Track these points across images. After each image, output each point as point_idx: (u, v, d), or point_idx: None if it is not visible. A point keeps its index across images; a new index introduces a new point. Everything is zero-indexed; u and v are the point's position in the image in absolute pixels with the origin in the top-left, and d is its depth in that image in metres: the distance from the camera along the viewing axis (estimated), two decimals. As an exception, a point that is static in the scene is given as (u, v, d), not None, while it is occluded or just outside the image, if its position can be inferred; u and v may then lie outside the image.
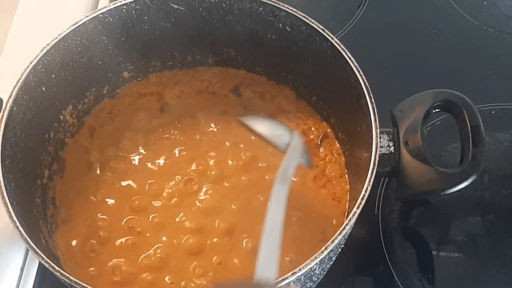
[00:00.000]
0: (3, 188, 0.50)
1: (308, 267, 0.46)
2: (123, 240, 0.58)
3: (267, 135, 0.52)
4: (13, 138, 0.54)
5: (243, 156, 0.62)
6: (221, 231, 0.58)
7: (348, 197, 0.60)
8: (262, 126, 0.53)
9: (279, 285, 0.44)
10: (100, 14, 0.59)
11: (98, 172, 0.62)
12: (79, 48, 0.60)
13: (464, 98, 0.55)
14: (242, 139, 0.63)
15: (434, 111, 0.56)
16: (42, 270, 0.60)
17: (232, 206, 0.59)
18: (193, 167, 0.62)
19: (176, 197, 0.60)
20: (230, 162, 0.62)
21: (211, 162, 0.62)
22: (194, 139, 0.64)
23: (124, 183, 0.61)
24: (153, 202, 0.60)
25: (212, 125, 0.65)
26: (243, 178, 0.61)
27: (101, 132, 0.65)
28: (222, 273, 0.56)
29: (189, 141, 0.64)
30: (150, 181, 0.61)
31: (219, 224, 0.58)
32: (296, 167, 0.49)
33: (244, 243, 0.57)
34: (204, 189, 0.60)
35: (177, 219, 0.59)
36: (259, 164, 0.62)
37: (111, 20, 0.60)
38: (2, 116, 0.53)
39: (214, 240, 0.57)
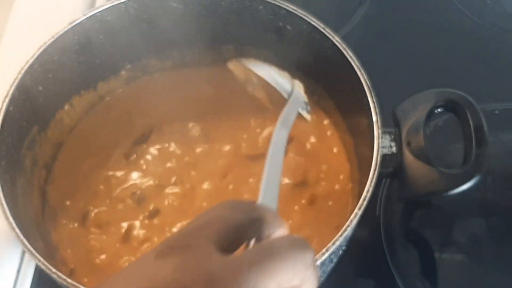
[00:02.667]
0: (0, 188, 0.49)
1: (309, 269, 0.45)
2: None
3: (270, 81, 0.53)
4: (9, 139, 0.53)
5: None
6: None
7: (349, 198, 0.60)
8: (264, 71, 0.53)
9: None
10: (98, 12, 0.59)
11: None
12: (77, 47, 0.59)
13: (467, 98, 0.54)
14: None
15: (436, 111, 0.55)
16: (39, 272, 0.60)
17: None
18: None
19: None
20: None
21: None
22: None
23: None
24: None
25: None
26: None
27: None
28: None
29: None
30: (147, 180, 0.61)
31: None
32: (296, 114, 0.52)
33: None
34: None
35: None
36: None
37: (109, 18, 0.59)
38: (-2, 116, 0.52)
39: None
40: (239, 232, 0.30)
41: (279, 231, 0.31)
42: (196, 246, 0.28)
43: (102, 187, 0.60)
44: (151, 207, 0.59)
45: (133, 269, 0.29)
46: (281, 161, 0.39)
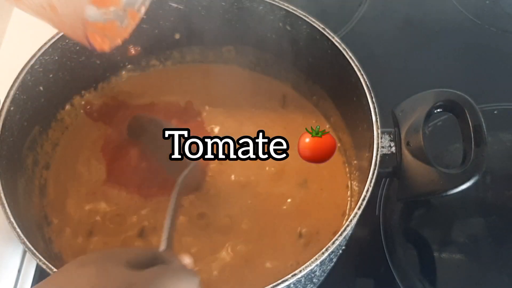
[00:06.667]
0: (0, 188, 0.49)
1: (309, 268, 0.46)
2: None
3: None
4: (10, 139, 0.54)
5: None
6: None
7: (349, 197, 0.60)
8: None
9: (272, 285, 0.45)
10: (99, 13, 0.59)
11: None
12: (77, 47, 0.59)
13: (466, 98, 0.54)
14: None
15: (435, 111, 0.55)
16: (40, 272, 0.60)
17: None
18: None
19: None
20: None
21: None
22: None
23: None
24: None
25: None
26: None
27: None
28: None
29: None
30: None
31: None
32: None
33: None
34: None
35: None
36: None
37: (110, 19, 0.60)
38: (0, 116, 0.52)
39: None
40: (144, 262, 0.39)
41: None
42: (111, 260, 0.36)
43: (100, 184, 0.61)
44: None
45: (57, 277, 0.35)
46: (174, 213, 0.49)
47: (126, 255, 0.38)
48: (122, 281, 0.34)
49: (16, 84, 0.54)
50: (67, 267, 0.36)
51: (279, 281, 0.44)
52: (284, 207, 0.59)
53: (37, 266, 0.60)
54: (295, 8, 0.58)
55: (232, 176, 0.61)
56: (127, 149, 0.62)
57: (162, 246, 0.45)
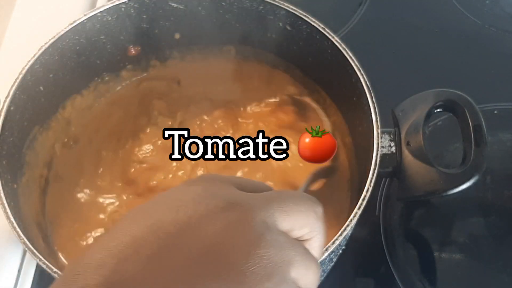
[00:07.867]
0: (1, 188, 0.49)
1: (309, 268, 0.45)
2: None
3: None
4: (10, 139, 0.54)
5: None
6: None
7: (349, 197, 0.60)
8: None
9: None
10: (99, 13, 0.59)
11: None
12: (77, 47, 0.59)
13: (466, 98, 0.54)
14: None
15: (435, 111, 0.55)
16: (40, 271, 0.60)
17: None
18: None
19: None
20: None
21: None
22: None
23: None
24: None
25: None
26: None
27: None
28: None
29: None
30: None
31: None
32: None
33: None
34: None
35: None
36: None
37: (110, 19, 0.60)
38: (0, 116, 0.52)
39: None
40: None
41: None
42: (220, 181, 0.31)
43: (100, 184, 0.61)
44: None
45: (163, 195, 0.31)
46: None
47: (237, 180, 0.33)
48: (232, 197, 0.29)
49: (16, 84, 0.54)
50: (174, 188, 0.32)
51: (279, 281, 0.44)
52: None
53: (37, 266, 0.60)
54: (295, 8, 0.58)
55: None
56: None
57: None
